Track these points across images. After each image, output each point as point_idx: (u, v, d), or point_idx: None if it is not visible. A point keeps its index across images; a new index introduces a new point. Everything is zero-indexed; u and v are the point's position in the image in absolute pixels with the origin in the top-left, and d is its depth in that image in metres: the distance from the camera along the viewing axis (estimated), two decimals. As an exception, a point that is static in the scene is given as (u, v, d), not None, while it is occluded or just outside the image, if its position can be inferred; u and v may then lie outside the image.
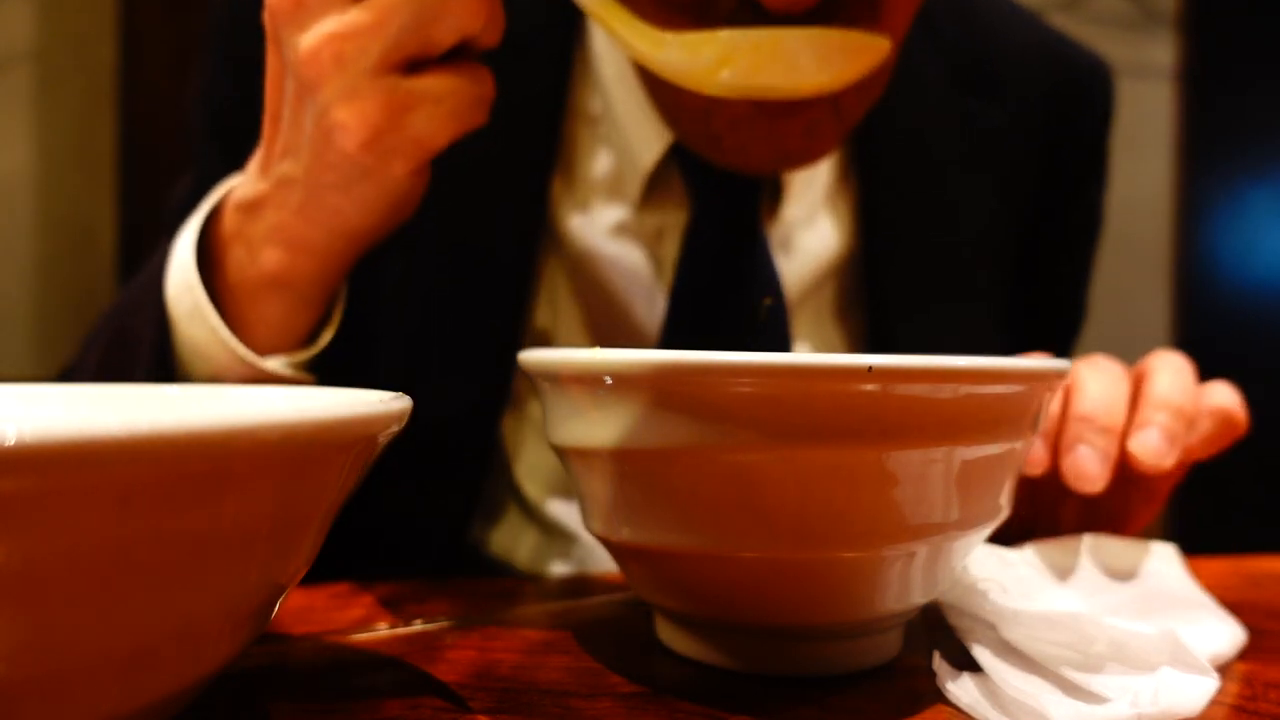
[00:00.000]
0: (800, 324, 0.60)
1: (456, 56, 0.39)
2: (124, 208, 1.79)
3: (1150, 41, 2.22)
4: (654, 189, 0.58)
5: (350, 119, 0.37)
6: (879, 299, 0.61)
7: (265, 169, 0.43)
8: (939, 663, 0.31)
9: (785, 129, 0.46)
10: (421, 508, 0.58)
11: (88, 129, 1.79)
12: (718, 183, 0.56)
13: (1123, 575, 0.39)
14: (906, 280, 0.61)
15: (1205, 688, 0.29)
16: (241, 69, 0.58)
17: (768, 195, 0.59)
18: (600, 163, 0.59)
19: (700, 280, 0.56)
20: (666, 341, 0.56)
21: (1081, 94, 0.70)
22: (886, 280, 0.61)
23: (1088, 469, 0.41)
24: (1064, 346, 0.74)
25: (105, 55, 1.79)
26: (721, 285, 0.56)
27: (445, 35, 0.37)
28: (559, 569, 0.59)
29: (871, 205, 0.61)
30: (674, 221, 0.58)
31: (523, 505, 0.60)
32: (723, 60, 0.35)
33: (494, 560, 0.60)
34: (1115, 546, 0.41)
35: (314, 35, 0.37)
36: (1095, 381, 0.44)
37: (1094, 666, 0.30)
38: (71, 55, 1.79)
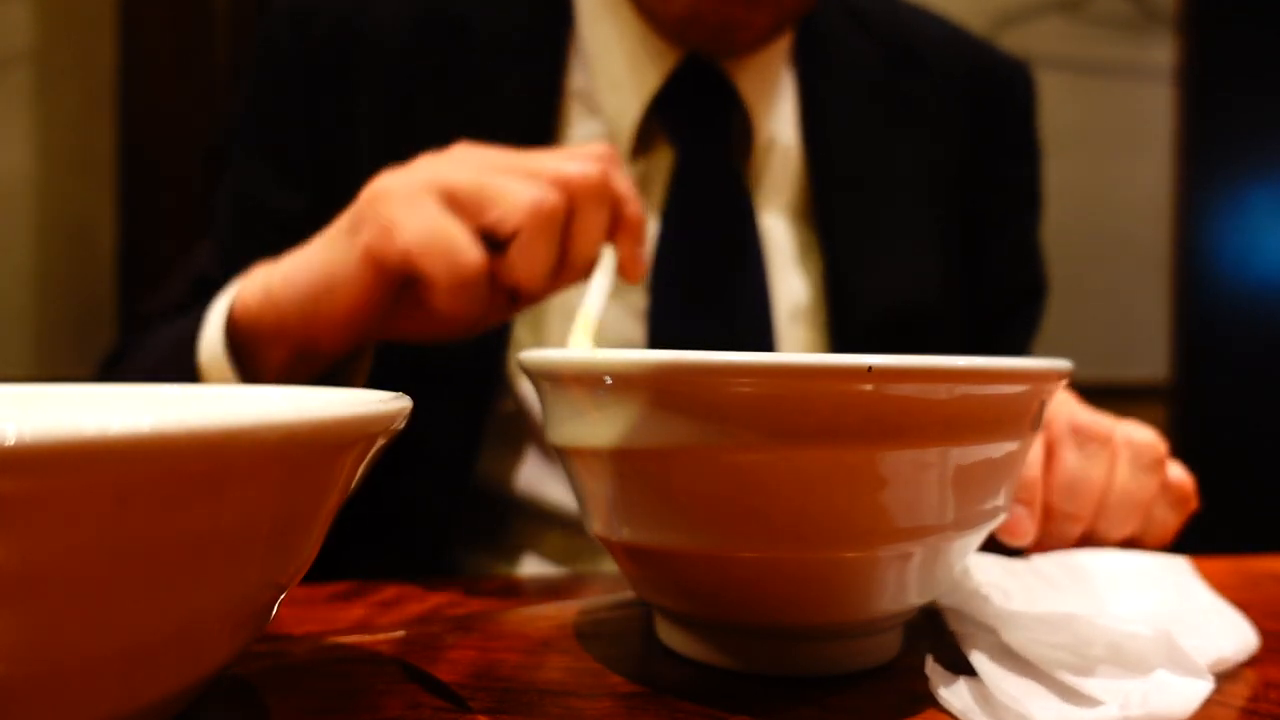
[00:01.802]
0: (768, 249, 0.67)
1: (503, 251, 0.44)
2: (124, 209, 1.78)
3: (1150, 42, 2.22)
4: (639, 143, 0.66)
5: (383, 178, 0.44)
6: (830, 230, 0.68)
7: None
8: (932, 666, 0.31)
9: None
10: (432, 433, 0.61)
11: (87, 130, 1.79)
12: (697, 130, 0.65)
13: (1133, 584, 0.39)
14: (853, 215, 0.69)
15: (1198, 690, 0.29)
16: (282, 93, 0.67)
17: (739, 143, 0.67)
18: (590, 129, 0.66)
19: (685, 218, 0.64)
20: (657, 265, 0.63)
21: (1002, 84, 0.78)
22: (836, 215, 0.69)
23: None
24: (1025, 321, 0.80)
25: (105, 56, 1.79)
26: (704, 222, 0.64)
27: (490, 214, 0.43)
28: (556, 493, 0.63)
29: (822, 162, 0.69)
30: (659, 168, 0.66)
31: (525, 429, 0.64)
32: None
33: (494, 489, 0.64)
34: (1125, 558, 0.41)
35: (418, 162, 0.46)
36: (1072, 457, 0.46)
37: (1091, 669, 0.30)
38: (71, 55, 1.79)
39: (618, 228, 0.47)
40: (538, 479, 0.63)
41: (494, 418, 0.63)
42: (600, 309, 0.44)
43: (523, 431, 0.64)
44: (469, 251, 0.43)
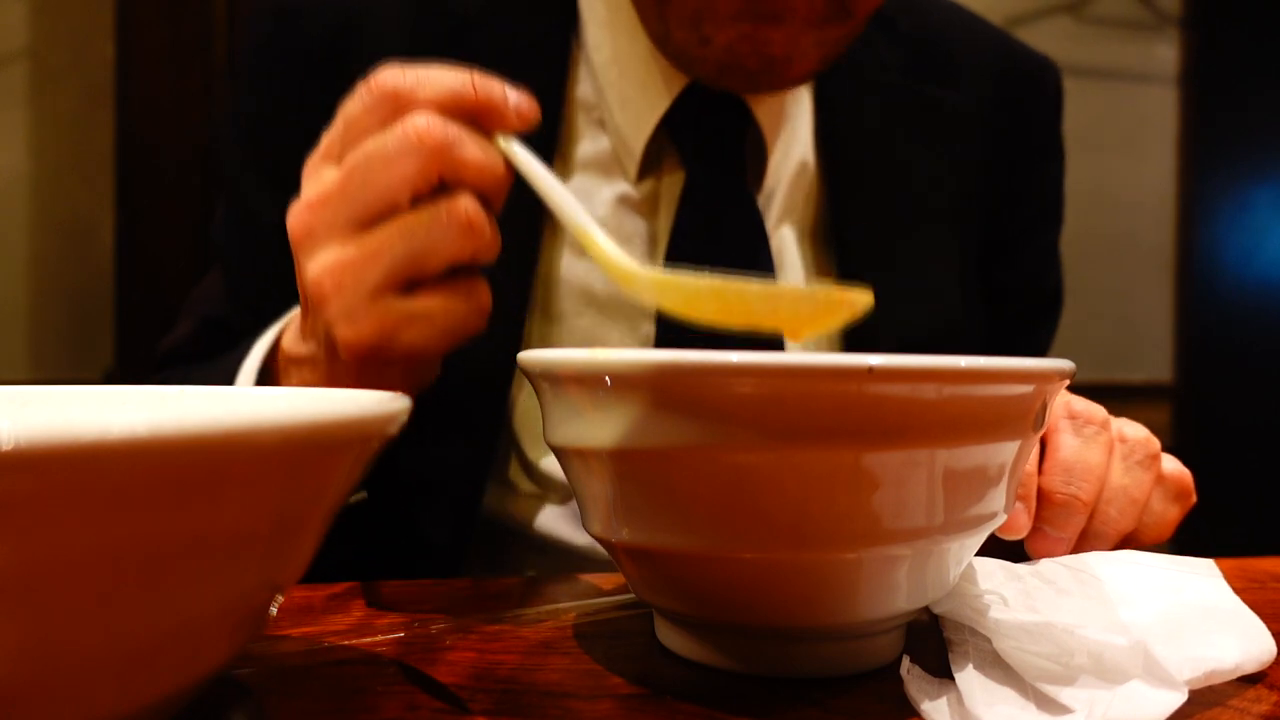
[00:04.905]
0: (781, 276, 0.65)
1: (454, 273, 0.41)
2: (122, 207, 1.78)
3: (1155, 43, 2.22)
4: (648, 162, 0.63)
5: (348, 336, 0.40)
6: (846, 253, 0.66)
7: (302, 335, 0.47)
8: (908, 668, 0.31)
9: (770, 37, 0.54)
10: (436, 476, 0.60)
11: (85, 128, 1.78)
12: (708, 151, 0.62)
13: (1146, 589, 0.37)
14: (872, 238, 0.67)
15: (1169, 701, 0.29)
16: (270, 93, 0.64)
17: (753, 163, 0.64)
18: (597, 144, 0.63)
19: (695, 238, 0.61)
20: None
21: (1030, 84, 0.75)
22: (852, 235, 0.66)
23: (1051, 553, 0.43)
24: (1044, 329, 0.78)
25: (103, 53, 1.78)
26: (714, 241, 0.61)
27: (435, 265, 0.39)
28: (556, 524, 0.62)
29: (838, 173, 0.66)
30: (667, 190, 0.63)
31: (527, 469, 0.62)
32: (687, 304, 0.37)
33: (495, 521, 0.63)
34: (1142, 561, 0.40)
35: (318, 263, 0.40)
36: (1069, 447, 0.44)
37: (1073, 678, 0.30)
38: (68, 53, 1.78)
39: (492, 120, 0.40)
40: (545, 514, 0.62)
41: (500, 453, 0.62)
42: (571, 201, 0.40)
43: (523, 472, 0.62)
44: (476, 304, 0.40)
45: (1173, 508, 0.46)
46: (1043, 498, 0.43)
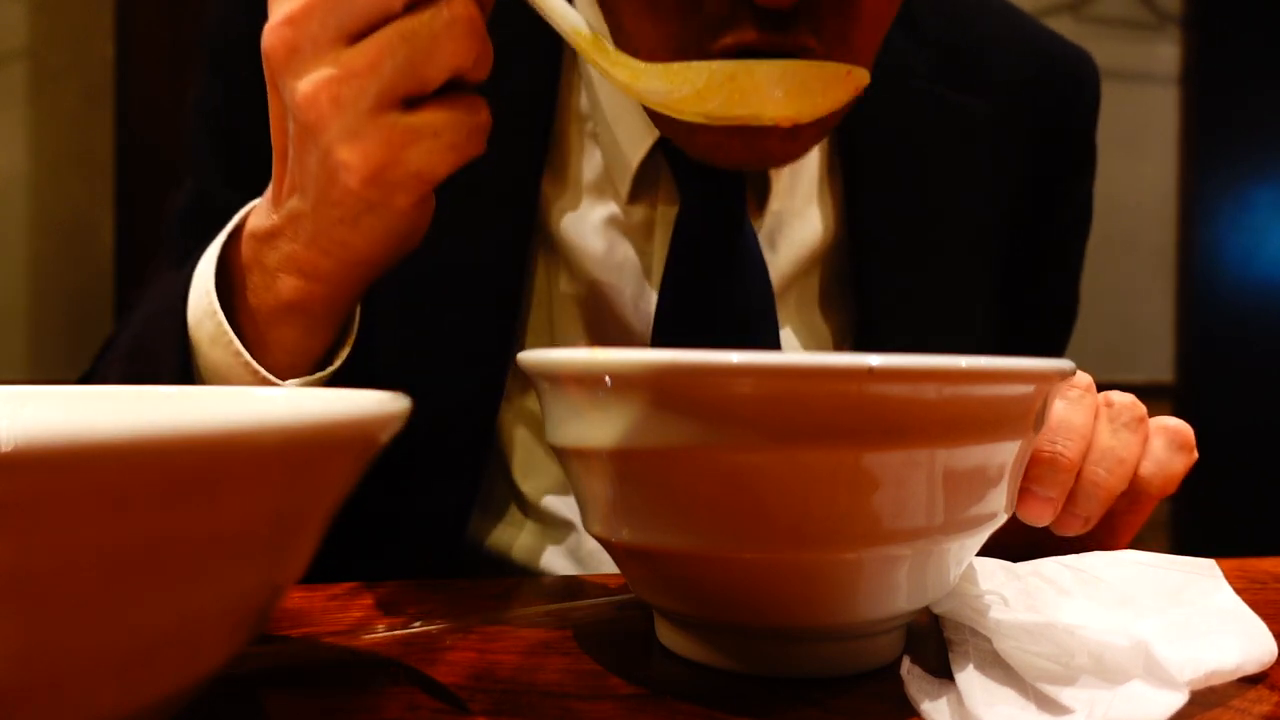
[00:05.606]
0: (787, 314, 0.61)
1: (450, 90, 0.40)
2: (121, 207, 1.78)
3: (1156, 42, 2.22)
4: (642, 184, 0.59)
5: (352, 158, 0.38)
6: (864, 288, 0.62)
7: (276, 202, 0.44)
8: (908, 668, 0.31)
9: (765, 131, 0.48)
10: (421, 505, 0.59)
11: (85, 128, 1.78)
12: (705, 177, 0.57)
13: (1147, 590, 0.38)
14: (891, 270, 0.62)
15: (1170, 702, 0.29)
16: (234, 80, 0.60)
17: (755, 188, 0.60)
18: (590, 160, 0.60)
19: (689, 273, 0.57)
20: (658, 335, 0.57)
21: (1067, 86, 0.70)
22: (871, 270, 0.62)
23: (1039, 513, 0.42)
24: (1058, 341, 0.75)
25: (103, 53, 1.78)
26: (710, 277, 0.57)
27: (438, 72, 0.38)
28: (555, 561, 0.60)
29: (856, 198, 0.62)
30: (662, 215, 0.59)
31: (519, 500, 0.61)
32: (699, 94, 0.36)
33: (490, 555, 0.61)
34: (1143, 560, 0.40)
35: (311, 81, 0.38)
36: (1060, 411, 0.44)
37: (1073, 678, 0.30)
38: (68, 53, 1.78)
39: None
40: (540, 551, 0.60)
41: (486, 483, 0.60)
42: (567, 9, 0.39)
43: (512, 500, 0.61)
44: (477, 119, 0.39)
45: (1178, 457, 0.45)
46: (1029, 459, 0.42)
